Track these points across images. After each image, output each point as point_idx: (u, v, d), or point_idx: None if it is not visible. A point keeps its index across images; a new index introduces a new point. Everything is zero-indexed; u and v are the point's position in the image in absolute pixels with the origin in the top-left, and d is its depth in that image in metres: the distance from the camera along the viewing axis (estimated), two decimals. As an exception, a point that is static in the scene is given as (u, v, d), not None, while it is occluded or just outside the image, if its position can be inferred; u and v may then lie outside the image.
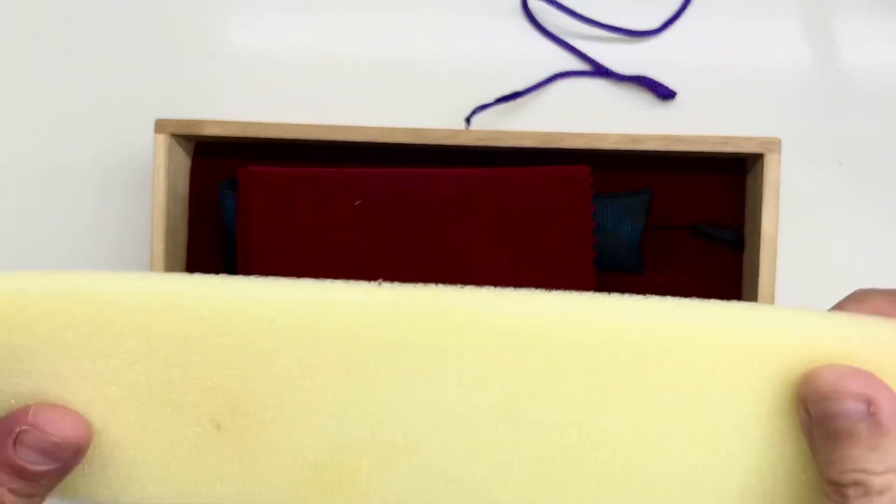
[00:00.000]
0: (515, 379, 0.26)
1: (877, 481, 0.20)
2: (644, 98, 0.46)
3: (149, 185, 0.44)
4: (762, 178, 0.39)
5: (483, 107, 0.45)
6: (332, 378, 0.26)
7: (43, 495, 0.25)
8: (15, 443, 0.24)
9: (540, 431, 0.26)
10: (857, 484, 0.21)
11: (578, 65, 0.47)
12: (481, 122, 0.46)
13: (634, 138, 0.39)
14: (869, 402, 0.21)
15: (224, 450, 0.27)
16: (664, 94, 0.45)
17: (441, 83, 0.47)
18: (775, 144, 0.39)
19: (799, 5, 0.46)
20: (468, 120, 0.45)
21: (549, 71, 0.47)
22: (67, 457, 0.25)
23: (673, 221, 0.42)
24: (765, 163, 0.39)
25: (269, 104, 0.47)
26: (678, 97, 0.46)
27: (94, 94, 0.49)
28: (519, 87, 0.46)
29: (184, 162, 0.43)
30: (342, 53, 0.48)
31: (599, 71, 0.46)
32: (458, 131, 0.40)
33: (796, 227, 0.45)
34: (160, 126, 0.41)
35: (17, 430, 0.24)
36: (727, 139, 0.39)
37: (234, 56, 0.48)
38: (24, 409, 0.24)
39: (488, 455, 0.26)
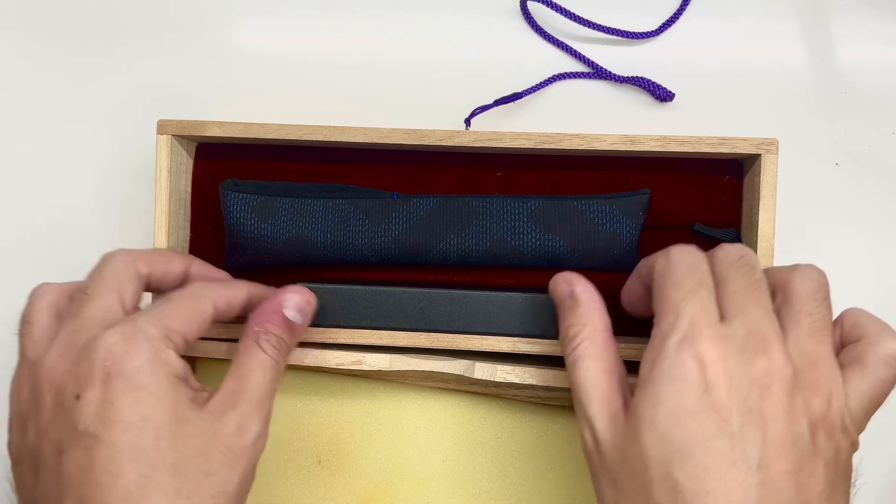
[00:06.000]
0: None
1: (571, 331, 0.34)
2: (642, 99, 0.47)
3: (151, 186, 0.44)
4: (759, 178, 0.39)
5: (482, 108, 0.45)
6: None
7: (286, 355, 0.35)
8: (283, 307, 0.35)
9: None
10: (568, 336, 0.34)
11: (577, 66, 0.47)
12: (480, 124, 0.46)
13: (632, 139, 0.40)
14: (570, 286, 0.35)
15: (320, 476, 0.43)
16: (662, 95, 0.46)
17: (440, 84, 0.47)
18: (772, 145, 0.39)
19: (795, 7, 0.47)
20: (468, 121, 0.45)
21: (548, 72, 0.47)
22: (311, 314, 0.37)
23: (671, 222, 0.42)
24: (762, 163, 0.39)
25: (270, 105, 0.48)
26: (676, 98, 0.46)
27: (96, 95, 0.49)
28: (518, 89, 0.46)
29: (186, 162, 0.43)
30: (342, 55, 0.48)
31: (598, 73, 0.47)
32: (457, 132, 0.40)
33: (793, 227, 0.45)
34: (162, 127, 0.41)
35: (284, 298, 0.35)
36: (724, 140, 0.39)
37: (235, 57, 0.49)
38: (280, 290, 0.36)
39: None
